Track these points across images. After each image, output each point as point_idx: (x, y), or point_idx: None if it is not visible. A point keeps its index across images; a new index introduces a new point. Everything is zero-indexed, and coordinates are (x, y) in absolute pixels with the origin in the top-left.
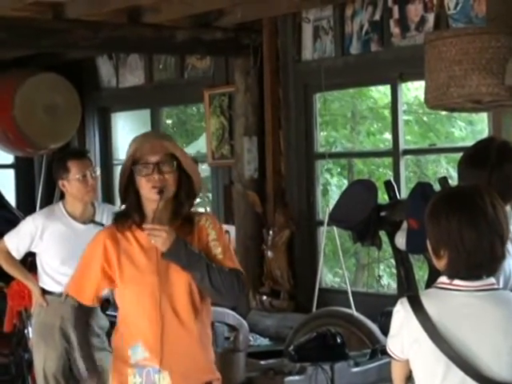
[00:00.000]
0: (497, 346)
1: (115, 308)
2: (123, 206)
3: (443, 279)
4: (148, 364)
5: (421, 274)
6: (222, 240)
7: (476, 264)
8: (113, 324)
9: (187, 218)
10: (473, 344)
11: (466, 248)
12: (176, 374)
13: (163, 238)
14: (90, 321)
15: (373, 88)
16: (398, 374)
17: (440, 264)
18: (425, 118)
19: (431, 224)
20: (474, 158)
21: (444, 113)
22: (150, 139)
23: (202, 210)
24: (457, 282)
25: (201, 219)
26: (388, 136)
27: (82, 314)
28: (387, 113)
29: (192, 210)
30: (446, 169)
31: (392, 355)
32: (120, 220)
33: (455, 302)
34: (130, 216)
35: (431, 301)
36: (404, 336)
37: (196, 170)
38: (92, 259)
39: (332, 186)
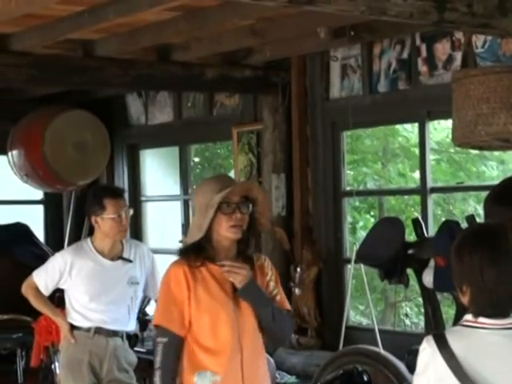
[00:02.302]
0: None
1: (143, 344)
2: (191, 238)
3: (468, 317)
4: None
5: (450, 312)
6: (278, 282)
7: (498, 302)
8: (141, 360)
9: (247, 257)
10: (498, 383)
11: (486, 285)
12: None
13: (243, 276)
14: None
15: (404, 126)
16: None
17: (464, 300)
18: (456, 157)
19: (455, 260)
20: (500, 195)
21: (475, 152)
22: (243, 183)
23: None
24: (482, 319)
25: (259, 259)
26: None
27: (171, 352)
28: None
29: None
30: (474, 207)
31: None
32: (191, 253)
33: (481, 340)
34: (204, 250)
35: (456, 338)
36: (430, 374)
37: (267, 214)
38: (177, 291)
39: (360, 224)
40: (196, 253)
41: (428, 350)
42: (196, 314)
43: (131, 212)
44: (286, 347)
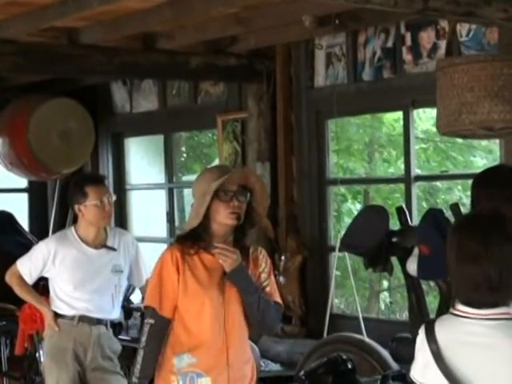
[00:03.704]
0: (499, 379)
1: (127, 332)
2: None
3: (458, 305)
4: (192, 370)
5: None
6: (271, 274)
7: (482, 291)
8: (125, 348)
9: (244, 247)
10: (476, 374)
11: (469, 274)
12: (217, 380)
13: (232, 260)
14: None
15: (389, 115)
16: None
17: (453, 290)
18: (443, 147)
19: (447, 249)
20: (487, 179)
21: (462, 141)
22: (242, 169)
23: None
24: (466, 308)
25: (255, 251)
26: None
27: (157, 332)
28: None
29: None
30: (459, 196)
31: (413, 380)
32: (187, 240)
33: (462, 329)
34: (201, 238)
35: (442, 326)
36: (419, 359)
37: (264, 204)
38: (167, 274)
39: (345, 212)
40: (192, 240)
41: (419, 337)
42: (183, 298)
43: (114, 198)
44: (271, 335)
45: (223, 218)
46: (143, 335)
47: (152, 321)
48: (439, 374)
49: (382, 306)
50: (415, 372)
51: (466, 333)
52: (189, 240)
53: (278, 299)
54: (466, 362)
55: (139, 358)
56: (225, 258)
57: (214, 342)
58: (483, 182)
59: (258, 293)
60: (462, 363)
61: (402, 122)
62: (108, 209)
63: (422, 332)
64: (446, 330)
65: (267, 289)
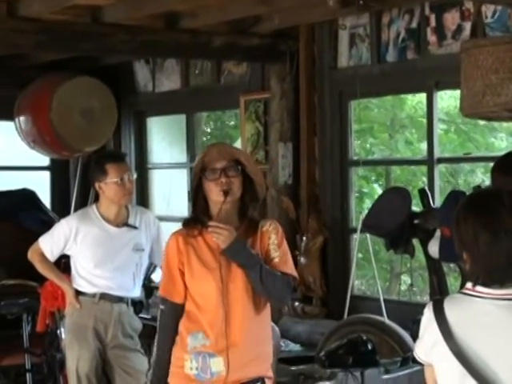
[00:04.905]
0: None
1: (148, 310)
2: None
3: (468, 285)
4: (205, 350)
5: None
6: (281, 245)
7: (494, 269)
8: (145, 326)
9: (252, 221)
10: (487, 354)
11: (480, 252)
12: (233, 361)
13: (225, 236)
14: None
15: (412, 96)
16: (429, 379)
17: (466, 269)
18: (465, 128)
19: (454, 229)
20: (506, 164)
21: (484, 123)
22: (218, 146)
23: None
24: (479, 288)
25: (265, 224)
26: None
27: (168, 318)
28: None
29: (259, 216)
30: (482, 179)
31: (418, 358)
32: (190, 223)
33: (473, 309)
34: (199, 219)
35: (452, 305)
36: (426, 338)
37: (259, 174)
38: (172, 262)
39: (367, 193)
40: (194, 222)
41: (426, 316)
42: (190, 280)
43: (135, 175)
44: (287, 313)
45: (215, 196)
46: (158, 320)
47: (163, 307)
48: (448, 353)
49: (403, 288)
50: (420, 351)
51: (478, 312)
52: (191, 222)
53: (289, 270)
54: (478, 341)
55: (155, 342)
56: (217, 235)
57: (221, 322)
58: (502, 167)
59: (259, 265)
60: (474, 342)
61: (425, 104)
62: (128, 186)
63: (429, 311)
64: (457, 309)
65: (275, 260)
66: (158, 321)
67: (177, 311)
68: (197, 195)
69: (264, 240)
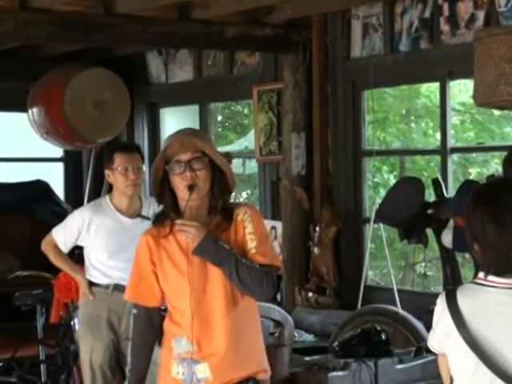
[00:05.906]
0: None
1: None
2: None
3: (480, 275)
4: (189, 357)
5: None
6: (258, 233)
7: (501, 260)
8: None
9: (226, 213)
10: (501, 343)
11: (489, 243)
12: (218, 367)
13: (193, 235)
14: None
15: (427, 86)
16: (443, 368)
17: (478, 259)
18: (480, 118)
19: (464, 220)
20: None
21: (499, 113)
22: (180, 137)
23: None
24: (491, 278)
25: (240, 213)
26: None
27: (142, 323)
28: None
29: (232, 202)
30: (496, 169)
31: (431, 348)
32: (159, 220)
33: (487, 299)
34: (168, 215)
35: (465, 295)
36: (439, 329)
37: (227, 165)
38: (144, 264)
39: (381, 183)
40: (164, 220)
41: (439, 306)
42: (164, 283)
43: (144, 168)
44: (300, 303)
45: (180, 193)
46: (130, 325)
47: (135, 311)
48: (462, 343)
49: (417, 278)
50: (433, 341)
51: (492, 302)
52: (161, 220)
53: (268, 260)
54: (491, 330)
55: (129, 349)
56: (186, 233)
57: (201, 328)
58: None
59: (234, 260)
60: (487, 332)
61: (438, 93)
62: (132, 178)
63: (442, 301)
64: (470, 299)
65: (252, 251)
66: (131, 326)
67: (152, 314)
68: (162, 190)
69: (239, 231)
